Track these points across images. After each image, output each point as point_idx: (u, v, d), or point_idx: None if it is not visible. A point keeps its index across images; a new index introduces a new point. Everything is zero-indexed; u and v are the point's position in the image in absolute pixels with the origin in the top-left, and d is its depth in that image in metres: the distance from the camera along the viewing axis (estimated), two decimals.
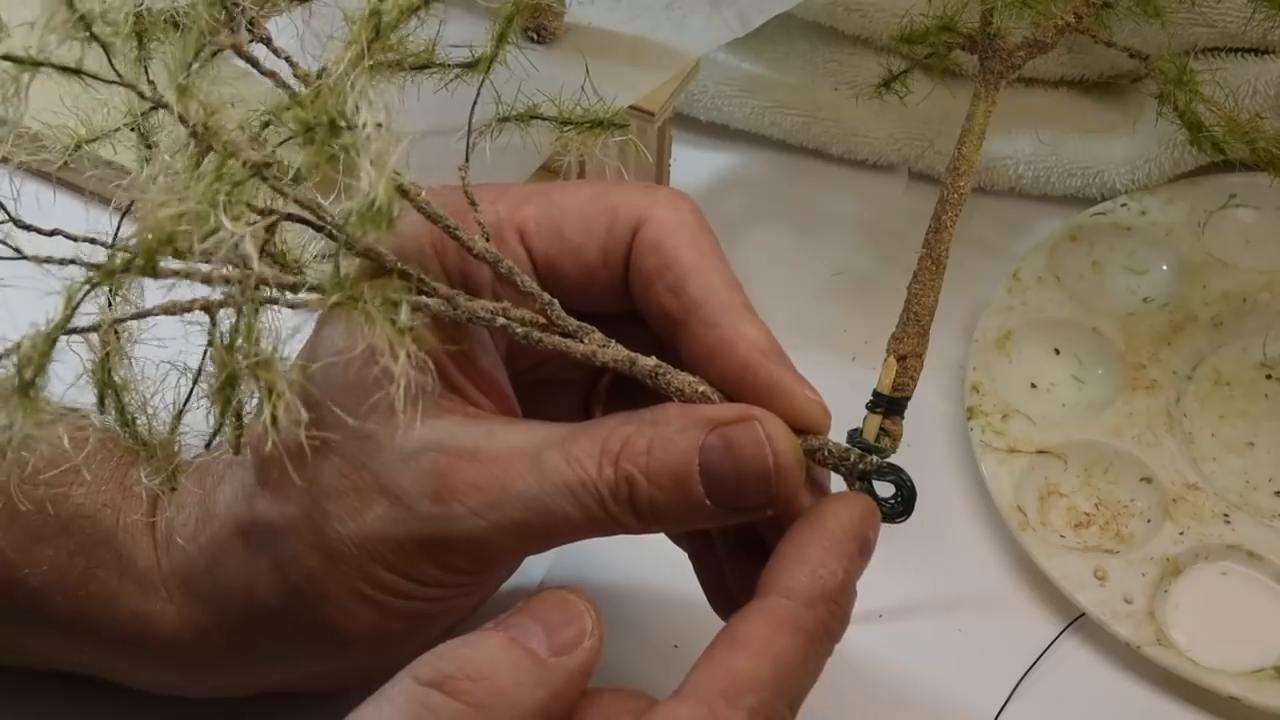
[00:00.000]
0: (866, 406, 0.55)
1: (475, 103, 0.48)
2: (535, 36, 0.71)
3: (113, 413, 0.41)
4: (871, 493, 0.51)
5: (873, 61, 0.78)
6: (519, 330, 0.47)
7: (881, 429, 0.55)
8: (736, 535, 0.52)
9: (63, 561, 0.52)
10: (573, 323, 0.48)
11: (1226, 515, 0.64)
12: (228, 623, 0.51)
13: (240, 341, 0.38)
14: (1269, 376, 0.70)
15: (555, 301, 0.48)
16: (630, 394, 0.51)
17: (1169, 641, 0.60)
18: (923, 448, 0.61)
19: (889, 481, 0.51)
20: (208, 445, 0.43)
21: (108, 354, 0.39)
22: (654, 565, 0.57)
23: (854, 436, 0.52)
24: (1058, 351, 0.71)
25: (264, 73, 0.42)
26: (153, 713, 0.57)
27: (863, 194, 0.80)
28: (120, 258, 0.37)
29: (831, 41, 0.80)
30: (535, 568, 0.62)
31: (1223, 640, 0.61)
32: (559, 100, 0.51)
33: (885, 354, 0.56)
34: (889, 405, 0.55)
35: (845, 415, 0.51)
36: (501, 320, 0.47)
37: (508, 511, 0.46)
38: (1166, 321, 0.71)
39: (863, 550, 0.48)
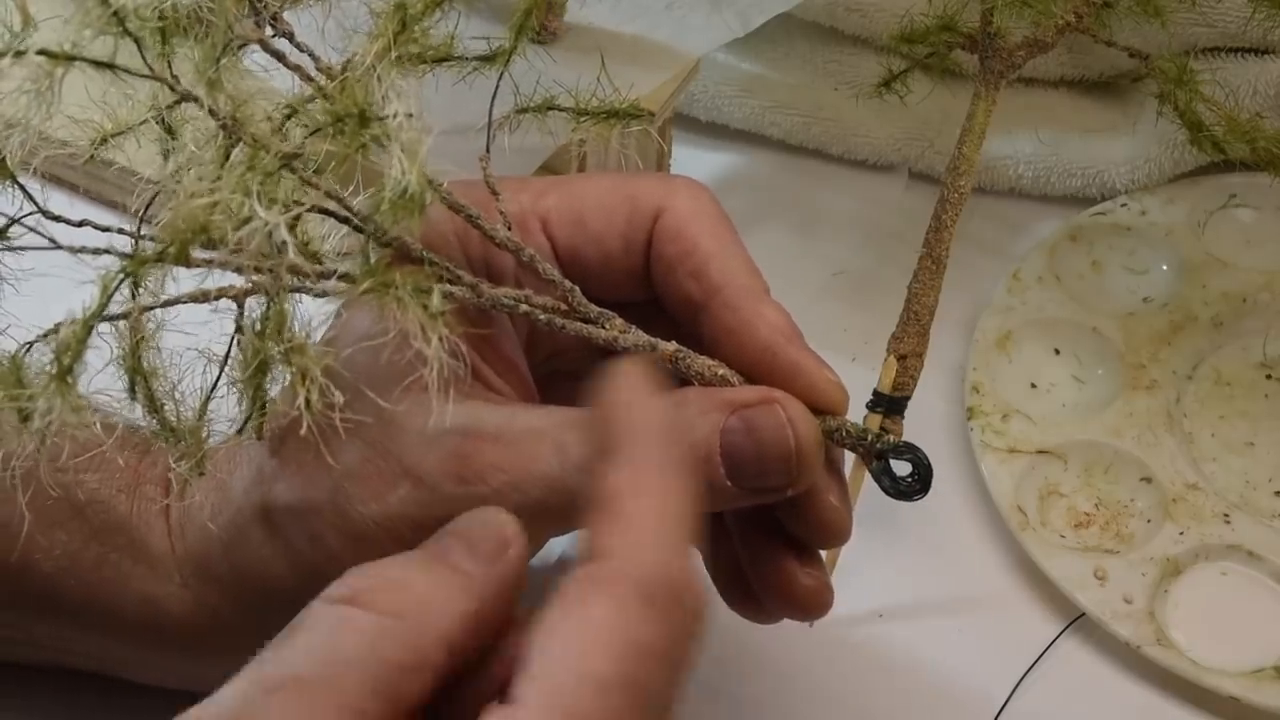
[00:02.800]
0: (867, 406, 0.55)
1: (494, 96, 0.48)
2: (535, 35, 0.71)
3: (142, 399, 0.41)
4: (889, 471, 0.51)
5: (873, 61, 0.78)
6: (541, 316, 0.47)
7: (882, 428, 0.55)
8: (751, 518, 0.52)
9: (76, 547, 0.52)
10: (594, 309, 0.48)
11: (1226, 515, 0.64)
12: (243, 605, 0.51)
13: (270, 328, 0.39)
14: (1269, 376, 0.70)
15: (576, 288, 0.48)
16: None
17: (1169, 641, 0.60)
18: (923, 447, 0.61)
19: (906, 460, 0.51)
20: (239, 430, 0.43)
21: (137, 341, 0.39)
22: None
23: None
24: (1058, 351, 0.71)
25: (289, 66, 0.42)
26: (156, 714, 0.57)
27: (863, 194, 0.80)
28: (154, 247, 0.37)
29: (831, 41, 0.80)
30: (553, 545, 0.61)
31: (1223, 640, 0.61)
32: (573, 94, 0.51)
33: (885, 353, 0.56)
34: (889, 405, 0.55)
35: (846, 415, 0.52)
36: (525, 306, 0.47)
37: (530, 493, 0.46)
38: (1166, 321, 0.71)
39: None
